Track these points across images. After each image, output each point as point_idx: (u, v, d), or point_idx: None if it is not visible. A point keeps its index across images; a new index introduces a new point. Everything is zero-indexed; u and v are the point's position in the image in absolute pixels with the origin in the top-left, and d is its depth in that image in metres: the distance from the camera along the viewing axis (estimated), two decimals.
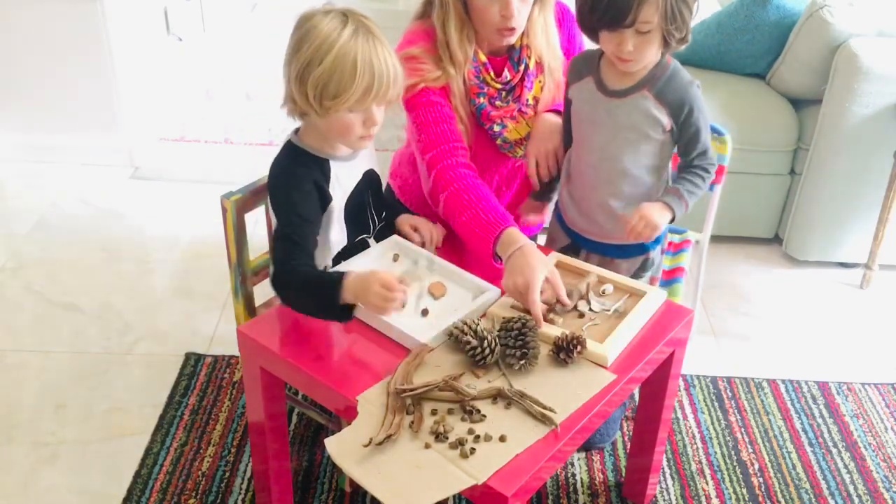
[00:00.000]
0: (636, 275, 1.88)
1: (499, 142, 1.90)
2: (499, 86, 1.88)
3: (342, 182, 1.66)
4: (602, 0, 1.58)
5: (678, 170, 1.80)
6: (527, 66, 1.88)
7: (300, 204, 1.57)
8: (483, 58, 1.85)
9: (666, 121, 1.71)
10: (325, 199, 1.62)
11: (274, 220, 1.62)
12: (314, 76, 1.49)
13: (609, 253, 1.87)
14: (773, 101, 2.88)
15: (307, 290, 1.54)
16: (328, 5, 1.55)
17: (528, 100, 1.90)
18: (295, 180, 1.59)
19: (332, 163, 1.63)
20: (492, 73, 1.87)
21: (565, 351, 1.47)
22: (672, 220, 1.73)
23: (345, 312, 1.53)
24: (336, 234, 1.67)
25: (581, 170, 1.83)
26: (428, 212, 1.88)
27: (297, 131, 1.66)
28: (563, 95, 1.86)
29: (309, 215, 1.58)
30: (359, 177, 1.71)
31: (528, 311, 1.57)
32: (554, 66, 1.90)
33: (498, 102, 1.88)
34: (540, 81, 1.90)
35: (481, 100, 1.86)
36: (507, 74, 1.88)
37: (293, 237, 1.55)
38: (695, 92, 1.71)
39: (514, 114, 1.89)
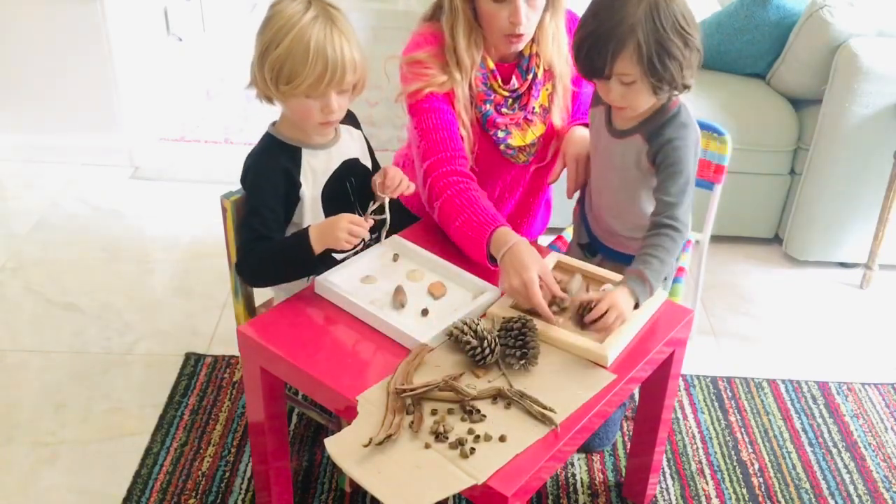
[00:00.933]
0: None
1: (502, 147, 1.89)
2: (506, 93, 1.86)
3: (315, 170, 1.68)
4: (581, 50, 1.57)
5: (647, 227, 1.66)
6: (535, 75, 1.87)
7: (267, 194, 1.62)
8: (491, 64, 1.84)
9: (647, 162, 1.66)
10: (295, 186, 1.65)
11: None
12: (271, 59, 1.53)
13: (622, 260, 1.83)
14: (773, 101, 2.88)
15: (276, 257, 1.61)
16: None
17: (534, 108, 1.89)
18: (263, 169, 1.64)
19: (304, 150, 1.66)
20: (499, 81, 1.85)
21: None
22: (636, 306, 1.56)
23: (320, 259, 1.61)
24: (310, 221, 1.68)
25: (595, 186, 1.84)
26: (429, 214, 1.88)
27: (274, 122, 1.70)
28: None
29: (275, 205, 1.62)
30: (335, 166, 1.71)
31: (530, 312, 1.57)
32: (563, 72, 1.88)
33: (504, 110, 1.88)
34: (547, 89, 1.89)
35: (487, 106, 1.85)
36: (514, 82, 1.87)
37: (259, 228, 1.61)
38: (687, 139, 1.62)
39: (519, 121, 1.88)
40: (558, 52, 1.86)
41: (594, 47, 1.53)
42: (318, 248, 1.58)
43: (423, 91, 1.79)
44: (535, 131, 1.90)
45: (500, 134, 1.88)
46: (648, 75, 1.52)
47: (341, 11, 1.58)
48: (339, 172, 1.71)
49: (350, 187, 1.75)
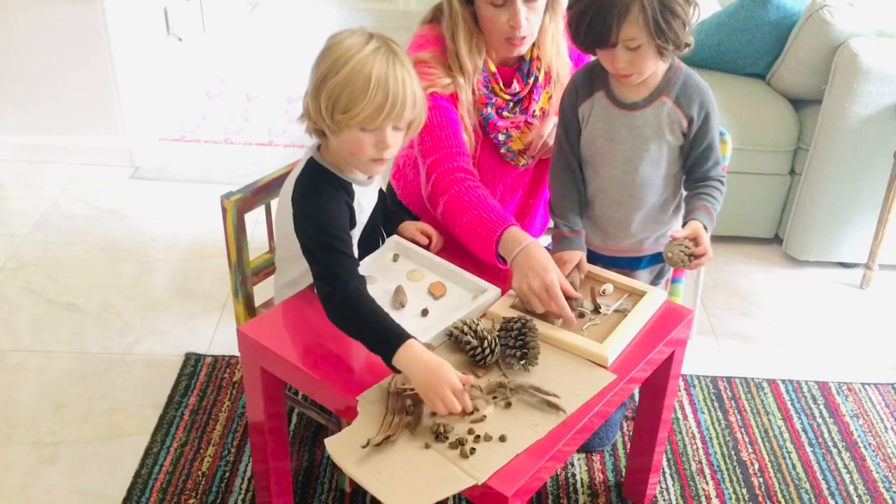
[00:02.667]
0: (653, 282, 1.88)
1: (503, 150, 1.89)
2: (507, 97, 1.86)
3: (364, 207, 1.63)
4: (584, 22, 1.55)
5: (692, 184, 1.74)
6: (536, 79, 1.87)
7: (340, 218, 1.53)
8: (493, 68, 1.84)
9: (685, 123, 1.66)
10: (353, 222, 1.59)
11: (286, 231, 1.57)
12: (328, 88, 1.45)
13: (623, 265, 1.84)
14: (773, 101, 2.88)
15: (363, 326, 1.44)
16: (361, 28, 1.52)
17: (535, 111, 1.89)
18: (331, 195, 1.54)
19: (354, 186, 1.59)
20: (501, 84, 1.85)
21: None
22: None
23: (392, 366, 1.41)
24: None
25: (601, 187, 1.77)
26: (430, 214, 1.88)
27: (318, 148, 1.60)
28: (560, 108, 1.79)
29: (347, 229, 1.52)
30: (375, 201, 1.68)
31: (529, 312, 1.57)
32: (563, 74, 1.88)
33: (505, 113, 1.87)
34: (548, 92, 1.89)
35: (489, 110, 1.85)
36: (516, 86, 1.87)
37: (342, 249, 1.49)
38: (710, 96, 1.67)
39: (520, 124, 1.88)
40: (557, 55, 1.86)
41: (598, 16, 1.52)
42: (398, 365, 1.38)
43: (426, 90, 1.77)
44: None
45: (501, 137, 1.87)
46: (655, 37, 1.52)
47: (402, 48, 1.53)
48: (375, 206, 1.69)
49: (379, 217, 1.73)
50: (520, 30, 1.73)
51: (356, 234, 1.63)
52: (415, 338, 1.39)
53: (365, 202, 1.63)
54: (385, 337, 1.40)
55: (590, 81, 1.71)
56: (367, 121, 1.46)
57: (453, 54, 1.79)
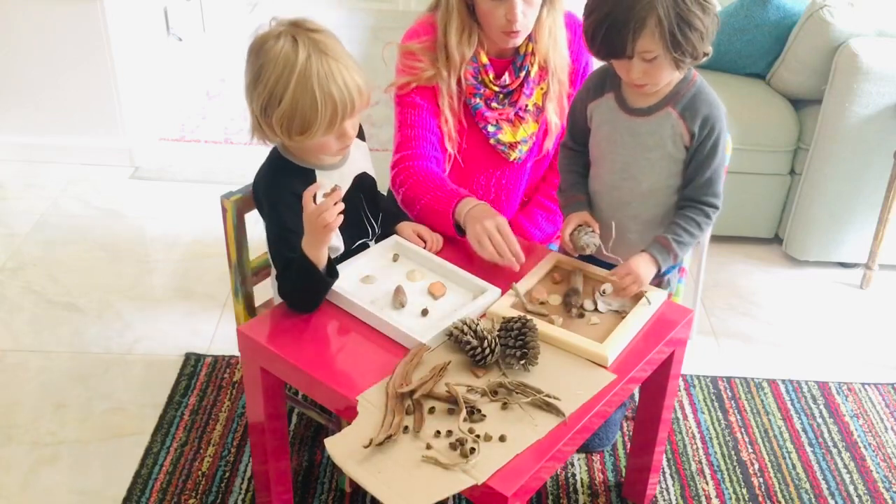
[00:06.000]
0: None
1: (492, 142, 1.91)
2: (496, 89, 1.88)
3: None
4: (599, 32, 1.52)
5: (680, 202, 1.70)
6: (528, 73, 1.88)
7: (287, 217, 1.57)
8: (484, 59, 1.86)
9: (688, 137, 1.64)
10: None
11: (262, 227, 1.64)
12: (277, 114, 1.49)
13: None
14: (773, 101, 2.88)
15: (298, 282, 1.56)
16: (276, 21, 1.51)
17: (526, 105, 1.90)
18: (279, 193, 1.59)
19: (318, 172, 1.63)
20: (491, 76, 1.87)
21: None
22: (658, 273, 1.64)
23: (330, 273, 1.56)
24: (331, 240, 1.66)
25: (599, 189, 1.77)
26: None
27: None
28: (572, 102, 1.80)
29: (297, 227, 1.55)
30: (349, 183, 1.69)
31: (530, 312, 1.58)
32: (560, 67, 1.90)
33: (494, 104, 1.89)
34: (542, 88, 1.90)
35: (477, 100, 1.88)
36: (506, 78, 1.88)
37: (286, 254, 1.56)
38: (720, 113, 1.63)
39: (510, 117, 1.90)
40: (554, 48, 1.87)
41: (613, 29, 1.49)
42: (311, 253, 1.51)
43: (410, 85, 1.85)
44: (528, 129, 1.92)
45: (491, 128, 1.90)
46: (671, 50, 1.49)
47: (325, 31, 1.53)
48: (351, 189, 1.69)
49: (363, 202, 1.74)
50: (516, 23, 1.75)
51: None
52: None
53: (330, 185, 1.64)
54: (297, 268, 1.52)
55: (602, 82, 1.70)
56: (326, 132, 1.51)
57: (442, 46, 1.83)
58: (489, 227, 1.66)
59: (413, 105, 1.86)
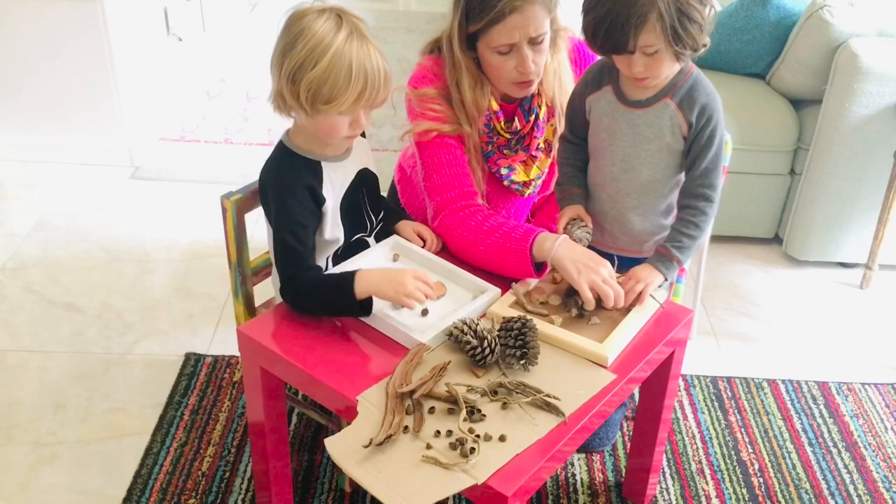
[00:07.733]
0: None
1: (506, 183, 1.89)
2: (508, 136, 1.86)
3: (335, 183, 1.66)
4: (601, 29, 1.53)
5: (678, 203, 1.73)
6: (537, 116, 1.85)
7: (295, 210, 1.58)
8: (494, 105, 1.82)
9: (686, 128, 1.65)
10: (319, 201, 1.62)
11: (268, 224, 1.64)
12: (307, 79, 1.49)
13: (623, 265, 1.84)
14: (773, 101, 2.88)
15: (321, 293, 1.57)
16: (319, 3, 1.54)
17: (539, 145, 1.88)
18: (287, 186, 1.60)
19: (323, 164, 1.63)
20: (502, 123, 1.84)
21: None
22: (665, 281, 1.67)
23: (364, 307, 1.54)
24: (331, 233, 1.67)
25: (600, 181, 1.78)
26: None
27: (287, 131, 1.66)
28: (571, 95, 1.80)
29: (304, 220, 1.58)
30: (352, 176, 1.70)
31: (531, 312, 1.57)
32: (566, 103, 1.85)
33: (506, 151, 1.88)
34: (552, 125, 1.88)
35: (490, 147, 1.86)
36: (517, 124, 1.85)
37: (293, 245, 1.57)
38: (717, 104, 1.65)
39: (524, 159, 1.88)
40: (560, 88, 1.84)
41: (614, 25, 1.51)
42: (362, 295, 1.52)
43: (431, 133, 1.79)
44: (541, 166, 1.91)
45: (504, 171, 1.87)
46: (672, 43, 1.51)
47: (364, 21, 1.56)
48: (354, 183, 1.70)
49: (364, 197, 1.75)
50: (529, 74, 1.72)
51: (332, 207, 1.65)
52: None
53: (337, 178, 1.66)
54: (339, 292, 1.53)
55: (600, 75, 1.72)
56: (349, 108, 1.52)
57: (459, 104, 1.79)
58: (606, 277, 1.60)
59: (442, 144, 1.79)
